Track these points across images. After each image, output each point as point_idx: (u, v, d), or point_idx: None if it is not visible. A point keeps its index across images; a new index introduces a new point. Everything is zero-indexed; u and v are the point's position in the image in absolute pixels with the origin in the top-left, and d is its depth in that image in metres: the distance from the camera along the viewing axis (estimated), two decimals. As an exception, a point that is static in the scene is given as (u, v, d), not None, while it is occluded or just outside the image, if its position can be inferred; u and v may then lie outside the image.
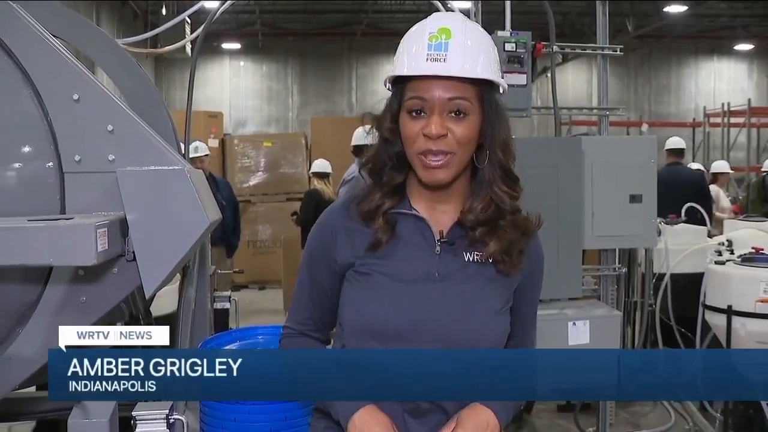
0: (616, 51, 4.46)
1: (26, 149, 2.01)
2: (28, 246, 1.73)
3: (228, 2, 3.29)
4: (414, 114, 1.55)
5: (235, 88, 17.55)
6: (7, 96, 2.04)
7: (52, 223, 1.76)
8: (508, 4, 4.12)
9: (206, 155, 6.61)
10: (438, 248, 1.60)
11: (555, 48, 4.16)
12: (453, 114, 1.53)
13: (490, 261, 1.60)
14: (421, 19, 1.61)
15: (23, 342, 2.02)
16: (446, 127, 1.52)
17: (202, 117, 9.77)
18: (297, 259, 6.52)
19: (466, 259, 1.61)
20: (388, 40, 17.89)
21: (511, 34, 3.91)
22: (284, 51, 18.08)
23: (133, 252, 1.97)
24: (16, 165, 2.00)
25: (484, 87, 1.55)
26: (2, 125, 2.01)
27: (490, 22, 4.42)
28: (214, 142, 9.90)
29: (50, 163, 2.02)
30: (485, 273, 1.61)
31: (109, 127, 2.02)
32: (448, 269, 1.59)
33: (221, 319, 3.49)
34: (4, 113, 2.03)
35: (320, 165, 7.52)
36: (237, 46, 17.01)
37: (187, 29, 8.16)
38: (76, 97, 2.01)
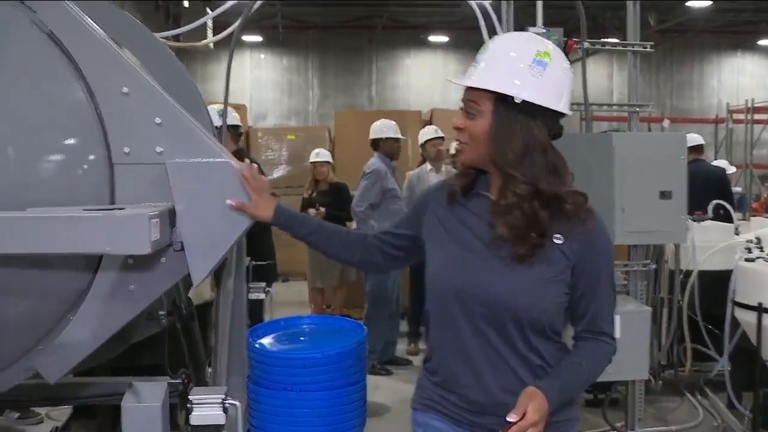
0: (646, 47, 4.46)
1: (78, 141, 2.06)
2: (84, 234, 1.78)
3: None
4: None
5: (255, 81, 17.58)
6: (60, 89, 2.08)
7: (108, 213, 1.80)
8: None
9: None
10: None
11: (586, 44, 4.16)
12: (469, 114, 1.88)
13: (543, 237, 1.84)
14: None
15: (74, 328, 2.07)
16: (464, 122, 1.89)
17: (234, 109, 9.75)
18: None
19: None
20: (408, 33, 17.87)
21: (543, 30, 3.91)
22: (305, 44, 18.09)
23: (181, 242, 2.02)
24: (68, 156, 2.05)
25: (499, 99, 1.82)
26: (55, 118, 2.05)
27: (520, 17, 4.43)
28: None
29: (101, 155, 2.06)
30: (532, 242, 1.83)
31: (157, 120, 2.06)
32: (500, 240, 1.85)
33: (255, 310, 3.53)
34: (57, 106, 2.07)
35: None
36: (258, 38, 17.03)
37: (209, 22, 8.18)
38: (125, 90, 2.05)
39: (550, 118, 1.85)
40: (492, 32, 4.31)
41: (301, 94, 18.18)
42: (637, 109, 4.51)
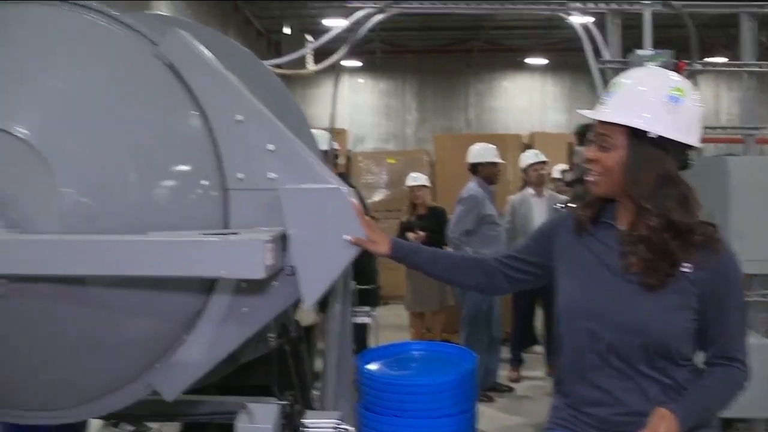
0: (762, 67, 4.27)
1: (194, 167, 2.13)
2: (201, 258, 1.83)
3: (377, 17, 3.35)
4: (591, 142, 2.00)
5: (354, 105, 17.82)
6: (176, 117, 2.16)
7: (224, 238, 1.85)
8: (648, 20, 4.02)
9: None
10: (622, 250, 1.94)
11: (698, 66, 4.02)
12: (601, 147, 1.94)
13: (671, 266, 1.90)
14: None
15: (189, 348, 2.14)
16: (597, 155, 1.94)
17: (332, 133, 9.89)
18: (421, 275, 6.40)
19: None
20: (506, 56, 17.76)
21: (651, 52, 3.81)
22: (402, 68, 18.25)
23: (292, 266, 2.05)
24: (185, 182, 2.12)
25: (633, 132, 1.88)
26: (171, 145, 2.13)
27: (625, 37, 4.33)
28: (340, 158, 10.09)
29: (215, 181, 2.12)
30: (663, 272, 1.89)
31: (270, 147, 2.11)
32: (630, 270, 1.91)
33: (359, 333, 3.55)
34: (174, 133, 2.15)
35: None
36: (356, 63, 17.29)
37: (309, 47, 8.35)
38: (239, 118, 2.11)
39: (680, 150, 1.90)
40: (597, 54, 4.24)
41: (399, 118, 18.33)
42: (754, 131, 4.31)
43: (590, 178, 1.99)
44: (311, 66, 7.99)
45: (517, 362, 6.82)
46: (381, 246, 2.17)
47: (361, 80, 18.10)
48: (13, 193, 1.93)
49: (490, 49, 17.41)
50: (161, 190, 2.07)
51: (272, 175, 2.10)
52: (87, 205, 1.96)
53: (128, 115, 2.08)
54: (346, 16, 4.14)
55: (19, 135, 1.93)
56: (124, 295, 2.02)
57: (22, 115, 1.97)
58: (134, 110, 2.10)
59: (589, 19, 4.75)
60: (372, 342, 4.21)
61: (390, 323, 8.18)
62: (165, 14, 2.76)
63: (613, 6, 4.03)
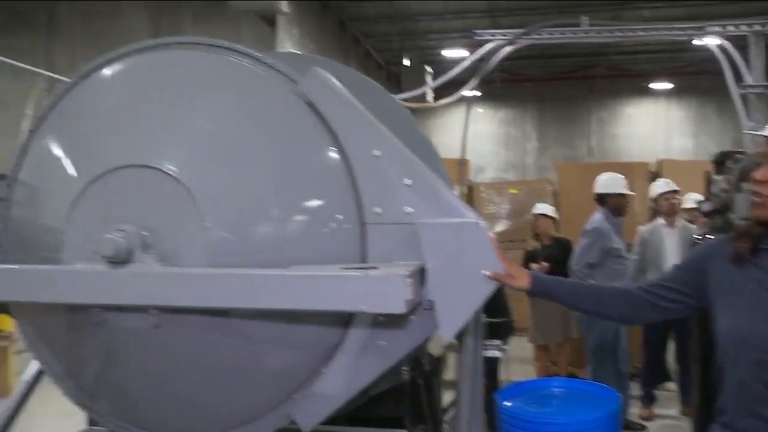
0: None
1: (333, 202, 2.16)
2: (342, 293, 1.85)
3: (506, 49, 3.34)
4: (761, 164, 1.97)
5: (474, 135, 17.76)
6: (316, 153, 2.22)
7: (364, 272, 1.87)
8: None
9: None
10: None
11: None
12: None
13: None
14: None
15: (327, 380, 2.17)
16: None
17: (454, 164, 9.86)
18: (546, 305, 6.22)
19: None
20: (630, 81, 17.32)
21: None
22: (522, 96, 18.12)
23: (430, 300, 2.05)
24: (324, 216, 2.16)
25: None
26: (311, 180, 2.18)
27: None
28: (462, 189, 10.06)
29: (354, 215, 2.15)
30: None
31: (407, 181, 2.12)
32: None
33: (490, 367, 3.51)
34: (313, 169, 2.20)
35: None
36: (476, 93, 17.28)
37: (429, 80, 8.48)
38: (377, 153, 2.13)
39: None
40: (737, 75, 4.05)
41: (518, 147, 18.18)
42: None
43: (758, 200, 1.95)
44: (431, 97, 8.06)
45: (648, 399, 6.53)
46: (520, 281, 2.14)
47: (480, 109, 18.08)
48: (163, 227, 2.03)
49: (613, 74, 17.03)
50: (301, 224, 2.12)
51: (409, 209, 2.10)
52: (230, 240, 2.03)
53: (270, 152, 2.15)
54: (465, 46, 4.15)
55: (169, 172, 2.02)
56: (266, 328, 2.08)
57: (172, 153, 2.08)
58: (276, 147, 2.16)
59: (723, 41, 4.55)
60: (503, 376, 4.14)
61: (515, 356, 8.02)
62: (299, 52, 2.85)
63: (756, 27, 3.83)
